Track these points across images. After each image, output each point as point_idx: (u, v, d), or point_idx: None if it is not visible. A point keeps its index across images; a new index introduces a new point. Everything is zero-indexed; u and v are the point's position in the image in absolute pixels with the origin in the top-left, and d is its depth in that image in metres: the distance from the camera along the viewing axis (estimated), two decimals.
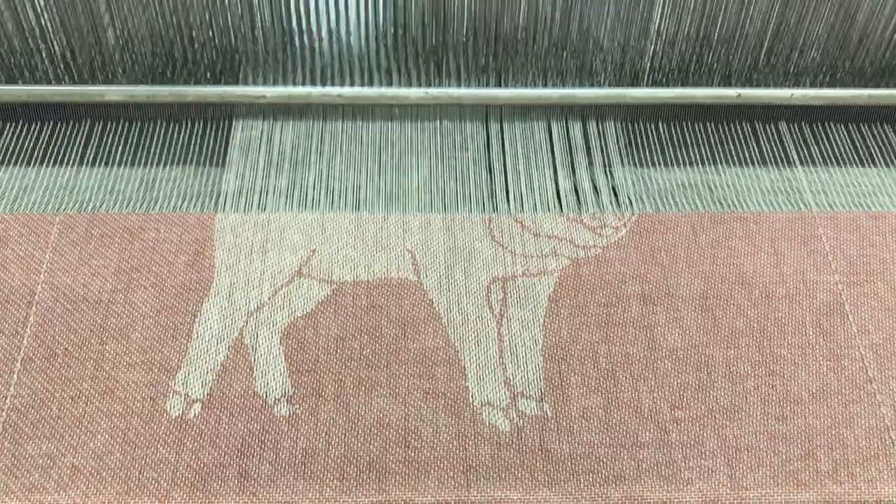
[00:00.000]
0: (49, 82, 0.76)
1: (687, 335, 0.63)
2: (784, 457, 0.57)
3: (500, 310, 0.64)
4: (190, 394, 0.58)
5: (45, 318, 0.62)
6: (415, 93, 0.76)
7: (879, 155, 0.77)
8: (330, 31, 0.76)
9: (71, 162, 0.73)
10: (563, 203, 0.71)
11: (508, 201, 0.71)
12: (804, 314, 0.65)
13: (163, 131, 0.76)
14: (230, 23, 0.73)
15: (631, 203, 0.72)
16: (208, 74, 0.77)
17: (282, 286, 0.65)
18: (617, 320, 0.63)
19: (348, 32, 0.76)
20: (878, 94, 0.79)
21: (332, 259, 0.66)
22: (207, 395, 0.58)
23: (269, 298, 0.64)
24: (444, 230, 0.68)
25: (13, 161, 0.73)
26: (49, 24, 0.72)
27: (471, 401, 0.59)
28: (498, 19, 0.74)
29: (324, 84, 0.77)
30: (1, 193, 0.70)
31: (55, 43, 0.73)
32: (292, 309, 0.63)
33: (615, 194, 0.73)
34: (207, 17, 0.73)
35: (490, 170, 0.74)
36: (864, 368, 0.62)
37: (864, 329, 0.64)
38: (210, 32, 0.74)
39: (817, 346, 0.63)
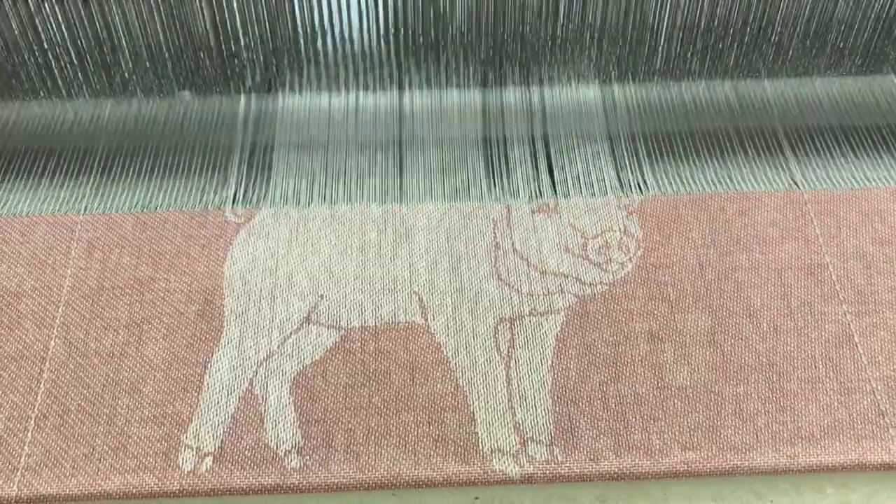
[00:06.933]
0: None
1: (696, 373, 0.63)
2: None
3: (508, 351, 0.64)
4: (202, 447, 0.59)
5: (58, 373, 0.62)
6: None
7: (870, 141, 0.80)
8: (334, 36, 0.78)
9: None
10: (559, 190, 0.74)
11: (511, 191, 0.75)
12: (813, 347, 0.64)
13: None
14: (230, 31, 0.76)
15: (629, 187, 0.75)
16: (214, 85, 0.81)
17: (291, 333, 0.65)
18: (625, 359, 0.63)
19: (351, 37, 0.79)
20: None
21: (341, 304, 0.67)
22: (219, 447, 0.59)
23: (279, 346, 0.64)
24: (449, 271, 0.68)
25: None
26: (57, 36, 0.75)
27: (480, 447, 0.59)
28: (495, 19, 0.77)
29: (330, 91, 0.81)
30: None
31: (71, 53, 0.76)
32: (301, 357, 0.64)
33: (615, 182, 0.76)
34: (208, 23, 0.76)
35: (489, 163, 0.77)
36: (875, 402, 0.61)
37: (874, 361, 0.63)
38: (212, 39, 0.77)
39: (827, 380, 0.62)
